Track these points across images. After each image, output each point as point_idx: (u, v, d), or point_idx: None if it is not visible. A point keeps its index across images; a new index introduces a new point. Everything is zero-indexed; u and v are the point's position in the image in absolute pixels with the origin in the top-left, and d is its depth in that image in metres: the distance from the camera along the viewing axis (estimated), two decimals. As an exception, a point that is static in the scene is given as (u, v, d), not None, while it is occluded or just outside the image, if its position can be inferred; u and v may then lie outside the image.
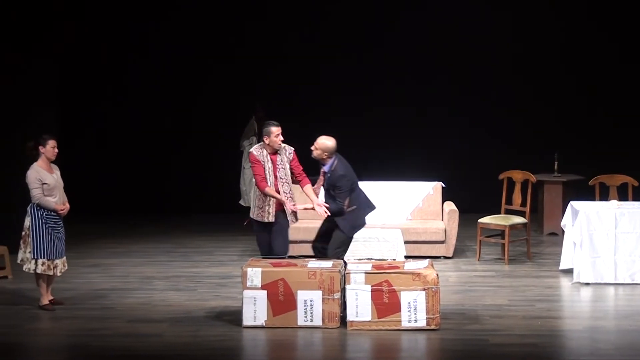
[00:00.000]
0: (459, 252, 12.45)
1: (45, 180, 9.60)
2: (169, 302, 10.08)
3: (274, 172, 9.65)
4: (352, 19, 15.48)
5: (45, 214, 9.63)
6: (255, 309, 9.02)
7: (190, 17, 15.60)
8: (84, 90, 15.62)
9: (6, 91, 12.58)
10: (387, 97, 15.52)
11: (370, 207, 10.10)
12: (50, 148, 9.65)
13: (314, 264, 9.27)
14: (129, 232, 14.18)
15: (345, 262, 9.53)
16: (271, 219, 9.66)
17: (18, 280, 10.97)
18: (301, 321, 9.01)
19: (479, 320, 9.33)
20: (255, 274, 9.04)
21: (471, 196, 14.27)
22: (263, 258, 9.57)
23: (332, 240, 9.87)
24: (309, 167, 10.12)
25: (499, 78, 15.45)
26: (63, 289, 10.47)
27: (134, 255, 12.56)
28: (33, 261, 9.64)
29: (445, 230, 12.14)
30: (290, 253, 10.31)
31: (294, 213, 9.81)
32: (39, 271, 9.65)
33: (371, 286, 8.95)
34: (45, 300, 9.78)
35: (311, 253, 10.14)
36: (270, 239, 9.74)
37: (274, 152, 9.70)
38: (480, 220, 12.18)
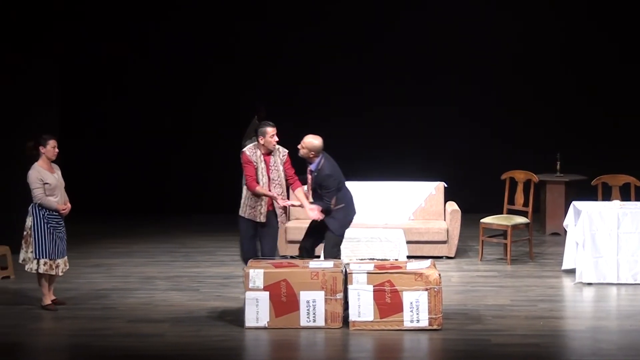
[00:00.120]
0: (461, 252, 12.45)
1: (46, 180, 9.59)
2: (170, 302, 10.07)
3: (267, 173, 9.63)
4: (353, 18, 15.50)
5: (47, 214, 9.62)
6: (257, 310, 9.01)
7: (190, 17, 15.61)
8: (84, 90, 15.63)
9: (6, 91, 12.59)
10: (388, 97, 15.53)
11: (354, 208, 10.13)
12: (50, 148, 9.64)
13: (315, 264, 9.25)
14: (130, 232, 14.19)
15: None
16: (263, 219, 9.65)
17: (20, 280, 10.96)
18: (304, 322, 9.00)
19: (481, 321, 9.33)
20: (257, 275, 9.02)
21: (473, 196, 14.27)
22: (263, 259, 9.53)
23: (325, 242, 9.91)
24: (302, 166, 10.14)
25: (501, 78, 15.46)
26: (65, 289, 10.46)
27: (135, 255, 12.56)
28: (35, 261, 9.63)
29: (447, 230, 12.14)
30: (290, 253, 10.32)
31: (285, 213, 9.81)
32: (41, 271, 9.64)
33: (373, 286, 8.95)
34: (48, 300, 9.78)
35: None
36: (255, 238, 9.75)
37: (268, 152, 9.68)
38: (482, 221, 12.17)
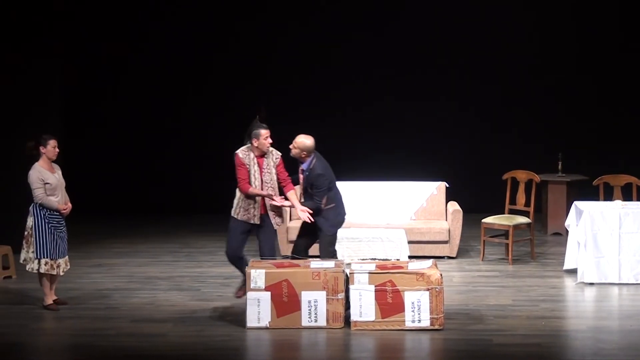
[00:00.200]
0: (462, 252, 12.45)
1: (47, 180, 9.61)
2: (172, 302, 10.08)
3: (260, 175, 9.64)
4: (353, 17, 15.47)
5: (48, 214, 9.64)
6: (259, 311, 9.02)
7: (189, 18, 15.62)
8: (85, 90, 15.62)
9: (7, 91, 12.59)
10: (390, 96, 15.53)
11: (344, 208, 10.19)
12: (51, 148, 9.66)
13: (317, 264, 9.27)
14: (132, 232, 14.20)
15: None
16: (257, 220, 9.66)
17: (22, 280, 10.98)
18: (305, 322, 9.01)
19: (483, 320, 9.33)
20: (259, 275, 9.04)
21: (475, 196, 14.26)
22: (262, 259, 9.55)
23: (320, 243, 9.95)
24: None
25: (503, 78, 15.44)
26: (67, 289, 10.48)
27: (138, 255, 12.57)
28: (36, 261, 9.65)
29: (449, 230, 12.14)
30: (290, 253, 10.33)
31: (279, 216, 9.81)
32: (42, 271, 9.66)
33: (375, 286, 8.95)
34: (49, 300, 9.79)
35: (310, 253, 10.21)
36: (246, 238, 9.77)
37: (261, 155, 9.69)
38: (484, 220, 12.17)
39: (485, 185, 14.53)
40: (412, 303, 8.92)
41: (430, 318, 8.93)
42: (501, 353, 8.42)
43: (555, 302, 10.08)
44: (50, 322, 9.45)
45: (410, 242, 11.78)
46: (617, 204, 11.12)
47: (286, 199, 9.83)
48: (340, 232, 11.56)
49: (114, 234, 13.96)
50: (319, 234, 9.90)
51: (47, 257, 9.65)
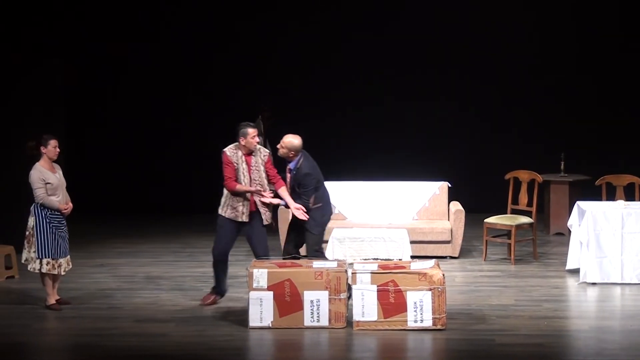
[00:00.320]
0: (465, 252, 12.45)
1: (48, 179, 9.63)
2: (175, 302, 10.10)
3: (249, 173, 9.67)
4: (353, 17, 15.47)
5: (49, 214, 9.66)
6: (261, 310, 9.02)
7: (190, 17, 15.64)
8: (86, 90, 15.63)
9: (8, 91, 12.60)
10: (390, 96, 15.53)
11: (331, 208, 10.32)
12: (51, 148, 9.68)
13: (319, 264, 9.27)
14: (134, 232, 14.22)
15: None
16: (245, 218, 9.69)
17: (25, 280, 10.99)
18: (308, 322, 9.02)
19: (485, 320, 9.33)
20: (261, 275, 9.05)
21: (477, 196, 14.25)
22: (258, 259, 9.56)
23: (306, 243, 10.02)
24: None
25: (505, 78, 15.43)
26: (70, 289, 10.50)
27: (140, 255, 12.59)
28: (38, 261, 9.66)
29: (451, 230, 12.14)
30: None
31: (269, 211, 9.82)
32: (44, 270, 9.68)
33: (377, 286, 8.96)
34: (52, 299, 9.81)
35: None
36: (234, 238, 9.80)
37: (249, 153, 9.72)
38: (486, 220, 12.17)
39: (487, 185, 14.52)
40: (415, 303, 8.93)
41: (433, 318, 8.93)
42: (503, 353, 8.42)
43: (558, 302, 10.08)
44: (52, 322, 9.47)
45: (412, 242, 11.77)
46: (620, 204, 11.11)
47: (277, 196, 9.87)
48: (343, 232, 11.64)
49: (116, 234, 13.97)
50: (305, 234, 9.97)
51: (48, 257, 9.67)
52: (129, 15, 15.58)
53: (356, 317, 8.99)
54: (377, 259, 11.17)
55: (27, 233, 9.74)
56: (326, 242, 11.60)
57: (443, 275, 9.01)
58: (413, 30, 15.42)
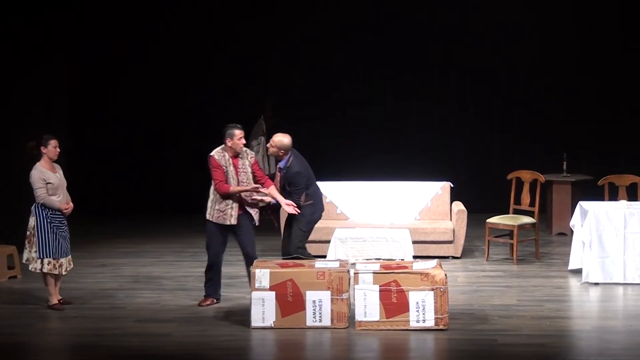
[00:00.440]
0: (467, 252, 12.44)
1: (49, 179, 9.63)
2: (177, 302, 10.09)
3: (236, 175, 9.66)
4: (354, 17, 15.46)
5: (50, 213, 9.66)
6: (263, 310, 9.01)
7: (190, 17, 15.63)
8: (86, 90, 15.60)
9: (8, 92, 12.59)
10: (392, 96, 15.52)
11: (323, 205, 10.38)
12: (52, 148, 9.68)
13: (321, 264, 9.27)
14: (136, 232, 14.21)
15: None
16: (233, 221, 9.67)
17: (27, 280, 10.99)
18: (310, 322, 9.01)
19: (488, 321, 9.32)
20: (263, 275, 9.04)
21: (480, 196, 14.23)
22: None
23: (292, 237, 10.08)
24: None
25: (507, 78, 15.43)
26: (72, 289, 10.49)
27: (142, 255, 12.58)
28: (39, 260, 9.66)
29: (453, 230, 12.13)
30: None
31: (257, 213, 9.81)
32: (45, 270, 9.67)
33: (379, 286, 8.95)
34: (54, 299, 9.80)
35: (311, 253, 10.27)
36: (225, 243, 9.80)
37: (236, 155, 9.71)
38: (488, 220, 12.16)
39: (489, 186, 14.50)
40: (417, 303, 8.92)
41: (435, 318, 8.92)
42: (506, 353, 8.41)
43: (560, 302, 10.07)
44: (55, 322, 9.46)
45: (414, 242, 11.76)
46: (622, 204, 11.11)
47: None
48: (345, 232, 11.63)
49: (117, 234, 13.96)
50: (292, 229, 10.03)
51: (49, 257, 9.66)
52: (129, 15, 15.57)
53: (358, 317, 8.99)
54: (379, 259, 11.17)
55: (28, 233, 9.74)
56: (328, 242, 11.61)
57: (445, 275, 9.01)
58: (413, 30, 15.41)
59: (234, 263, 11.93)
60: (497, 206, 13.03)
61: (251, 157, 9.82)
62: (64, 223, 9.78)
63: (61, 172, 9.86)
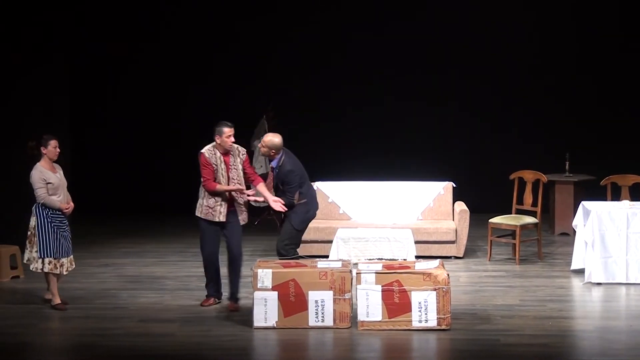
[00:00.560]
0: (469, 252, 12.43)
1: (49, 179, 9.63)
2: (180, 302, 10.08)
3: (227, 173, 9.67)
4: (354, 18, 15.46)
5: (51, 213, 9.65)
6: (266, 310, 9.01)
7: (190, 17, 15.62)
8: (86, 90, 15.60)
9: (9, 92, 12.58)
10: (392, 96, 15.51)
11: (317, 204, 10.39)
12: (52, 148, 9.68)
13: (324, 264, 9.26)
14: (139, 232, 14.21)
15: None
16: (222, 218, 9.67)
17: (30, 280, 10.99)
18: (312, 322, 9.00)
19: (490, 321, 9.32)
20: (265, 275, 9.03)
21: (482, 196, 14.23)
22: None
23: (282, 233, 10.09)
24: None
25: (509, 77, 15.43)
26: (75, 289, 10.50)
27: (144, 255, 12.58)
28: (40, 260, 9.65)
29: (456, 230, 12.12)
30: (298, 253, 10.35)
31: (247, 211, 9.81)
32: (46, 270, 9.66)
33: (382, 286, 8.95)
34: (57, 299, 9.79)
35: (312, 253, 10.27)
36: (217, 239, 9.78)
37: (226, 152, 9.72)
38: (491, 220, 12.16)
39: (491, 186, 14.50)
40: (419, 303, 8.91)
41: (437, 318, 8.92)
42: (508, 353, 8.41)
43: (563, 302, 10.07)
44: (57, 322, 9.45)
45: (417, 242, 11.76)
46: (625, 204, 11.10)
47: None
48: (347, 232, 11.63)
49: (119, 234, 13.96)
50: (284, 226, 10.05)
51: (50, 257, 9.65)
52: (129, 15, 15.57)
53: (361, 317, 8.98)
54: (381, 259, 11.16)
55: (28, 233, 9.74)
56: (330, 242, 11.60)
57: (447, 275, 9.00)
58: (413, 30, 15.41)
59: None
60: (500, 206, 13.03)
61: (242, 155, 9.83)
62: (64, 223, 9.77)
63: (61, 172, 9.86)
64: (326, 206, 12.57)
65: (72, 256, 9.88)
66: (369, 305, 8.95)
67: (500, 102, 15.49)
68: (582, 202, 11.31)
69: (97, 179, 15.51)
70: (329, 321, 9.00)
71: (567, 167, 13.74)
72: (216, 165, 9.63)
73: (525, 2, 15.40)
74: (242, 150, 9.88)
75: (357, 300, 9.03)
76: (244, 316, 9.33)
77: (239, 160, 9.76)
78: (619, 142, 15.17)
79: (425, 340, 8.73)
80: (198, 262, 11.95)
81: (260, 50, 15.59)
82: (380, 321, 8.94)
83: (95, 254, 12.51)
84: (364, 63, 15.56)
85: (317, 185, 12.58)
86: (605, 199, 11.83)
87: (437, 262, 9.30)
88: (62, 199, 9.73)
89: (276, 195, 10.01)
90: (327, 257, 11.38)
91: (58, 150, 9.75)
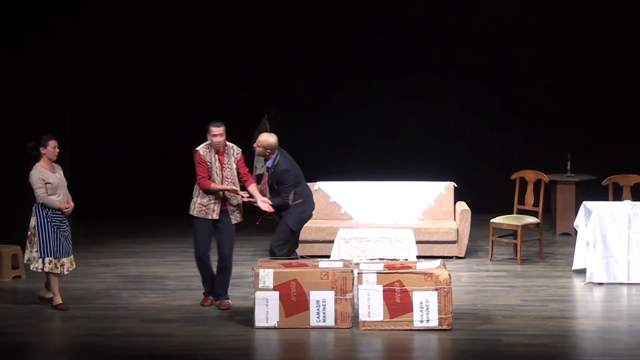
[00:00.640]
0: (471, 252, 12.43)
1: (48, 179, 9.62)
2: (181, 302, 10.07)
3: (221, 171, 9.67)
4: (354, 18, 15.46)
5: (51, 213, 9.64)
6: (267, 310, 9.00)
7: (190, 17, 15.62)
8: (86, 90, 15.59)
9: (9, 92, 12.56)
10: (392, 96, 15.51)
11: (313, 204, 10.38)
12: (51, 149, 9.67)
13: (325, 264, 9.26)
14: (140, 232, 14.21)
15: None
16: (215, 216, 9.68)
17: (31, 280, 10.96)
18: (314, 322, 8.99)
19: (491, 321, 9.32)
20: (267, 275, 9.02)
21: (483, 196, 14.21)
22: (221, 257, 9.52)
23: (276, 232, 10.09)
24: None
25: (510, 77, 15.43)
26: (76, 289, 10.49)
27: (146, 255, 12.57)
28: (40, 260, 9.64)
29: (457, 230, 12.12)
30: (300, 253, 10.34)
31: (239, 211, 9.81)
32: (46, 269, 9.66)
33: (383, 286, 8.94)
34: (59, 299, 9.77)
35: (314, 253, 10.28)
36: (210, 237, 9.78)
37: (221, 151, 9.71)
38: (492, 220, 12.16)
39: (493, 186, 14.49)
40: (421, 303, 8.91)
41: (439, 318, 8.91)
42: (510, 353, 8.41)
43: (564, 302, 10.06)
44: (59, 322, 9.44)
45: (418, 242, 11.74)
46: (627, 204, 11.10)
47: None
48: (349, 232, 11.63)
49: (120, 234, 13.95)
50: (280, 226, 10.04)
51: (50, 256, 9.64)
52: (129, 16, 15.56)
53: (362, 317, 8.98)
54: (383, 259, 11.15)
55: (29, 233, 9.73)
56: (332, 242, 11.59)
57: (449, 275, 9.00)
58: (413, 31, 15.41)
59: (237, 263, 11.89)
60: (501, 206, 13.02)
61: (237, 154, 9.82)
62: (65, 223, 9.76)
63: (61, 172, 9.86)
64: (327, 206, 12.57)
65: (72, 256, 9.87)
66: (371, 305, 8.94)
67: (500, 102, 15.49)
68: (584, 202, 11.30)
69: (97, 179, 15.50)
70: (330, 321, 8.99)
71: (568, 167, 13.73)
72: (210, 163, 9.64)
73: (525, 2, 15.40)
74: (237, 149, 9.87)
75: (358, 300, 9.02)
76: (245, 316, 9.32)
77: (233, 159, 9.76)
78: (619, 142, 15.17)
79: (427, 340, 8.72)
80: (199, 262, 12.00)
81: (260, 50, 15.58)
82: (381, 321, 8.93)
83: (96, 254, 12.50)
84: (364, 63, 15.56)
85: (319, 185, 12.59)
86: (606, 199, 11.82)
87: (438, 262, 9.29)
88: (61, 199, 9.72)
89: (271, 195, 10.01)
90: (328, 257, 11.37)
91: (57, 150, 9.74)
